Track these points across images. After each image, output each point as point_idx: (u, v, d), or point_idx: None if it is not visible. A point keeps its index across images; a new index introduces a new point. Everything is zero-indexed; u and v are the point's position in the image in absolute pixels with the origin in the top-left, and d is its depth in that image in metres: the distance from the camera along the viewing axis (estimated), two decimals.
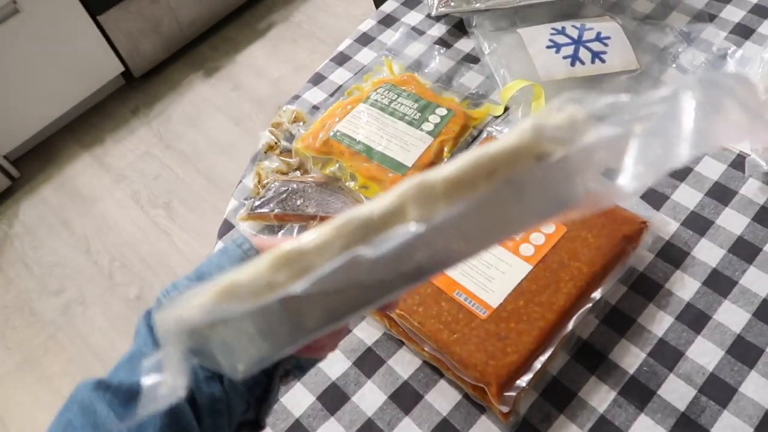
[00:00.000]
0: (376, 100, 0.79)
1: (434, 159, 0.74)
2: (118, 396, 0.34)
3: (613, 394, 0.58)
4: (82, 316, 1.62)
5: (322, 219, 0.71)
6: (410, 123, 0.77)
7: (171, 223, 1.78)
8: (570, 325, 0.58)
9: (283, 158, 0.77)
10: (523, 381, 0.55)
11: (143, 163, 1.92)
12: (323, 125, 0.77)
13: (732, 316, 0.61)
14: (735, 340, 0.59)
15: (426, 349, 0.59)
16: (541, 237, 0.62)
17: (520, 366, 0.55)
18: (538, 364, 0.56)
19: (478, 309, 0.58)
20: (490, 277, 0.60)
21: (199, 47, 2.19)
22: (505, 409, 0.54)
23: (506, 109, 0.79)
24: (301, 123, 0.80)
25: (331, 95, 0.86)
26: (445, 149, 0.75)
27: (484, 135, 0.76)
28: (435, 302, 0.59)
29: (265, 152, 0.78)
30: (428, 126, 0.76)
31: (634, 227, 0.62)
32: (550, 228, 0.62)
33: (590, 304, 0.59)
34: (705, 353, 0.59)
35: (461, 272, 0.60)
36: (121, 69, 1.98)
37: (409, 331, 0.61)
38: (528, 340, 0.55)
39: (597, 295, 0.60)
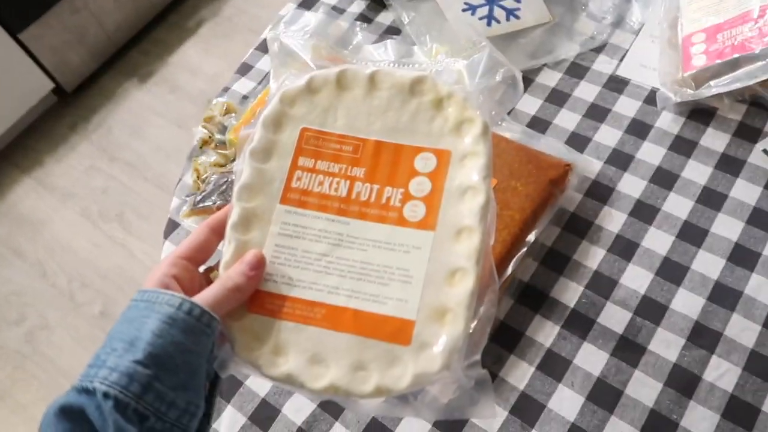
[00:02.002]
0: None
1: None
2: None
3: (557, 329, 0.61)
4: (47, 341, 1.60)
5: None
6: None
7: (127, 234, 1.76)
8: (509, 269, 0.61)
9: (219, 151, 0.78)
10: (471, 326, 0.57)
11: (88, 178, 1.89)
12: (254, 113, 0.78)
13: (657, 241, 0.65)
14: (662, 262, 0.64)
15: None
16: None
17: None
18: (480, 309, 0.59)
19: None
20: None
21: (130, 53, 2.14)
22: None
23: None
24: (233, 114, 0.80)
25: (260, 83, 0.87)
26: None
27: None
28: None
29: (201, 147, 0.79)
30: None
31: (558, 171, 0.66)
32: None
33: (525, 248, 0.62)
34: (636, 278, 0.63)
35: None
36: (51, 85, 1.93)
37: None
38: None
39: (531, 237, 0.63)
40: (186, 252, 0.41)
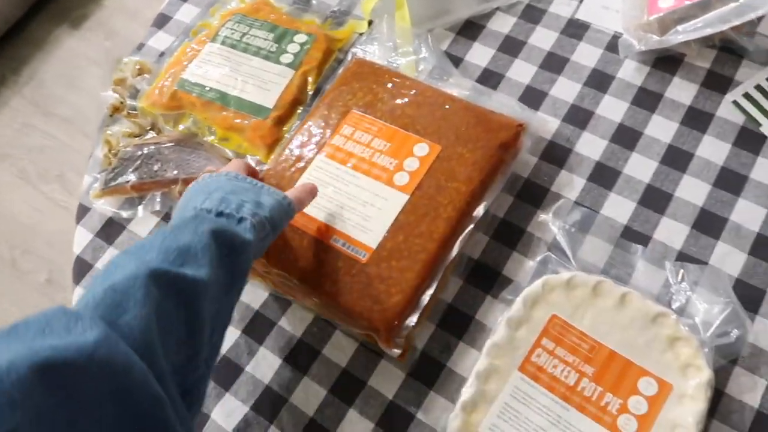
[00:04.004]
0: (226, 37, 0.71)
1: (298, 94, 0.67)
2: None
3: None
4: None
5: (186, 182, 0.64)
6: (267, 57, 0.69)
7: (68, 196, 1.65)
8: (455, 250, 0.55)
9: (132, 119, 0.69)
10: (411, 320, 0.52)
11: (23, 136, 1.75)
12: (168, 75, 0.68)
13: (619, 209, 0.59)
14: (623, 232, 0.58)
15: (312, 306, 0.55)
16: (415, 162, 0.58)
17: (406, 305, 0.52)
18: (426, 299, 0.53)
19: (358, 253, 0.54)
20: (366, 216, 0.56)
21: None
22: (396, 352, 0.52)
23: (370, 23, 0.72)
24: (146, 75, 0.71)
25: (179, 37, 0.77)
26: (309, 80, 0.68)
27: (350, 57, 0.69)
28: (313, 254, 0.55)
29: (111, 115, 0.69)
30: (287, 57, 0.69)
31: (510, 133, 0.59)
32: (423, 150, 0.58)
33: (473, 224, 0.56)
34: (595, 251, 0.58)
35: (337, 216, 0.56)
36: None
37: (294, 287, 0.57)
38: (411, 276, 0.52)
39: (480, 211, 0.57)
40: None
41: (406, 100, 0.61)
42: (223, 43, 0.70)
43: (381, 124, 0.60)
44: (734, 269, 0.55)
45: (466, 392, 0.50)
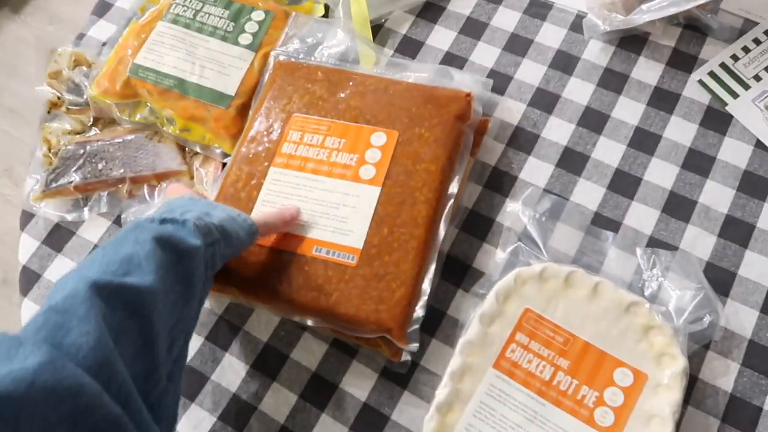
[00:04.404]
0: (177, 15, 0.66)
1: (260, 79, 0.63)
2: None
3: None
4: None
5: (133, 180, 0.60)
6: (224, 38, 0.65)
7: (19, 191, 1.58)
8: (441, 232, 0.54)
9: (73, 115, 0.64)
10: (419, 311, 0.51)
11: None
12: (119, 60, 0.64)
13: (588, 195, 0.58)
14: (594, 218, 0.57)
15: (309, 323, 0.53)
16: (376, 153, 0.55)
17: (411, 297, 0.51)
18: (427, 286, 0.52)
19: (345, 257, 0.51)
20: (342, 218, 0.53)
21: None
22: (415, 346, 0.50)
23: (327, 8, 0.69)
24: (83, 67, 0.66)
25: (126, 28, 0.71)
26: None
27: (271, 61, 0.63)
28: (298, 271, 0.52)
29: (49, 111, 0.64)
30: (246, 38, 0.65)
31: (461, 104, 0.57)
32: (381, 139, 0.56)
33: (452, 200, 0.55)
34: (566, 239, 0.56)
35: (312, 225, 0.53)
36: None
37: (288, 310, 0.54)
38: (408, 267, 0.51)
39: (454, 187, 0.55)
40: None
41: (348, 92, 0.58)
42: (175, 22, 0.65)
43: (329, 122, 0.57)
44: (704, 252, 0.55)
45: (441, 393, 0.48)
